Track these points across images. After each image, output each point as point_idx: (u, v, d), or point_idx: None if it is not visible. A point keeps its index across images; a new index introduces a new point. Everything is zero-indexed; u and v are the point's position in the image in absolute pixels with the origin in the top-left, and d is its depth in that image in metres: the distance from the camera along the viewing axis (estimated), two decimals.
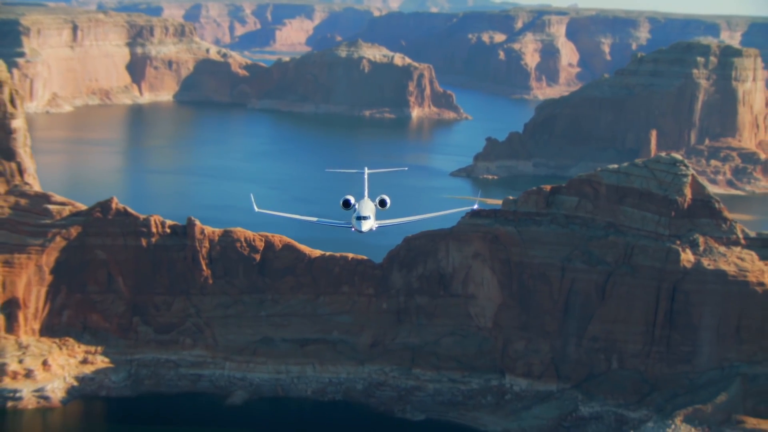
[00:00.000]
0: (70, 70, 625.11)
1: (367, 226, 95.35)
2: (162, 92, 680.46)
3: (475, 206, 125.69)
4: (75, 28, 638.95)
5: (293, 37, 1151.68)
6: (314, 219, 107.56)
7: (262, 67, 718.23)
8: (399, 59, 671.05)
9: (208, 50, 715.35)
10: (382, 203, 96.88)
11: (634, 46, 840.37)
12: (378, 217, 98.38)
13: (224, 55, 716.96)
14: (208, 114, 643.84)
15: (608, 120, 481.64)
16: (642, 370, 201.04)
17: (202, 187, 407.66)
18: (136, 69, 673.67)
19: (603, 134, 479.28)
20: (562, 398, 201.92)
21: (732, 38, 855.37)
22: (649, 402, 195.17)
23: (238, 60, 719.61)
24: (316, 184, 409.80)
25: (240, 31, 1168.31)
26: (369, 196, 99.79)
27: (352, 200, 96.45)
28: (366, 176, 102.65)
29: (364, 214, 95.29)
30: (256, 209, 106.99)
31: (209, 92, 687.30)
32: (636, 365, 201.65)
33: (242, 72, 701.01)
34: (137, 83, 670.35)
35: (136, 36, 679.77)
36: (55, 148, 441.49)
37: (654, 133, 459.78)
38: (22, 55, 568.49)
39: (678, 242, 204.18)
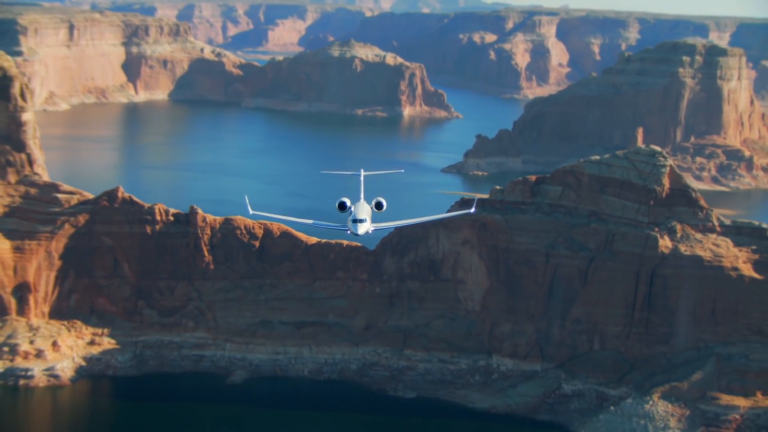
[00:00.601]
0: (67, 69, 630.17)
1: (363, 229, 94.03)
2: (157, 91, 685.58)
3: (473, 209, 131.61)
4: (71, 28, 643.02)
5: (286, 38, 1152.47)
6: (310, 222, 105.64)
7: (256, 66, 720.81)
8: (391, 59, 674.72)
9: (202, 50, 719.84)
10: (379, 206, 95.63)
11: (623, 47, 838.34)
12: (374, 219, 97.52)
13: (218, 55, 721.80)
14: (202, 112, 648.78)
15: (596, 118, 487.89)
16: (622, 350, 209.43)
17: (198, 182, 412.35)
18: (132, 68, 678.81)
19: (591, 132, 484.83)
20: (546, 377, 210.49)
21: (721, 39, 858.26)
22: (628, 380, 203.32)
23: (232, 59, 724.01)
24: (311, 179, 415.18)
25: (233, 31, 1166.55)
26: (365, 198, 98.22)
27: (348, 203, 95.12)
28: (362, 178, 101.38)
29: (360, 216, 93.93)
30: (251, 212, 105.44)
31: (204, 91, 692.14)
32: (616, 346, 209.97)
33: (236, 71, 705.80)
34: (133, 82, 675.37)
35: (132, 35, 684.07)
36: (53, 145, 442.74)
37: (640, 131, 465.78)
38: (19, 53, 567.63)
39: (656, 229, 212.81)
